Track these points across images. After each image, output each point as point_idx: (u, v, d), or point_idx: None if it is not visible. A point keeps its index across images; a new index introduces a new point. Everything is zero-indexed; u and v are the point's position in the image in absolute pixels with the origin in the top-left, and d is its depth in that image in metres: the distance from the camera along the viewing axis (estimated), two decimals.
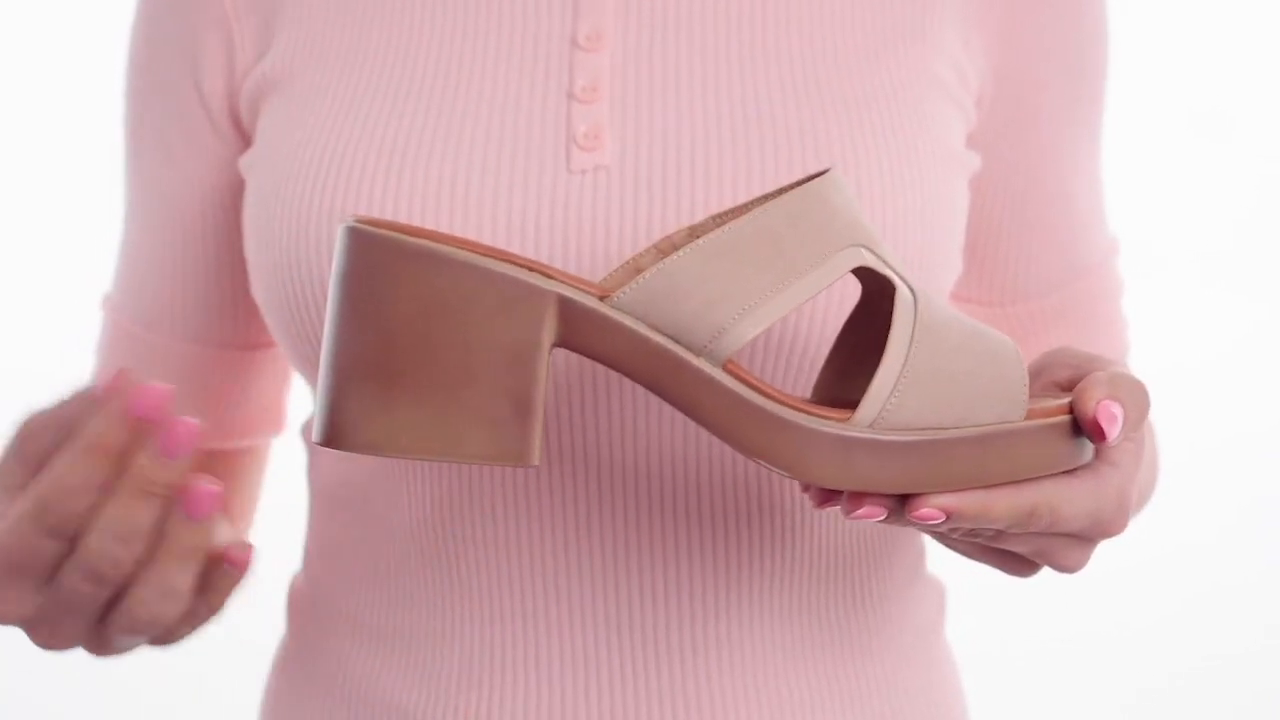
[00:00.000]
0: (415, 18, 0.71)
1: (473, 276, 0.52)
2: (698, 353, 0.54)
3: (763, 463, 0.54)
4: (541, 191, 0.66)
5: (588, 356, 0.55)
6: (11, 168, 4.68)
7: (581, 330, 0.53)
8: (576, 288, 0.54)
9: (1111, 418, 0.56)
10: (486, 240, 0.66)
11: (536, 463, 0.53)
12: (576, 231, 0.66)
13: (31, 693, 2.74)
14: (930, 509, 0.54)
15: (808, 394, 0.67)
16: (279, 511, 1.95)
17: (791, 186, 0.59)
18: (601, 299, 0.53)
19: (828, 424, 0.54)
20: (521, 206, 0.66)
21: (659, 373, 0.54)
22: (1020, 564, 0.60)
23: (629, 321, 0.53)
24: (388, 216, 0.66)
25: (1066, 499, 0.56)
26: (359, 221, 0.54)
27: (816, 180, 0.56)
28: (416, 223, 0.66)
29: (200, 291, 0.80)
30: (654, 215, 0.66)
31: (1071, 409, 0.57)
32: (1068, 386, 0.61)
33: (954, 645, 2.78)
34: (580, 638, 0.69)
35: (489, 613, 0.70)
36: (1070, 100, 0.77)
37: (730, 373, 0.54)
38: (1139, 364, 3.72)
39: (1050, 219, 0.78)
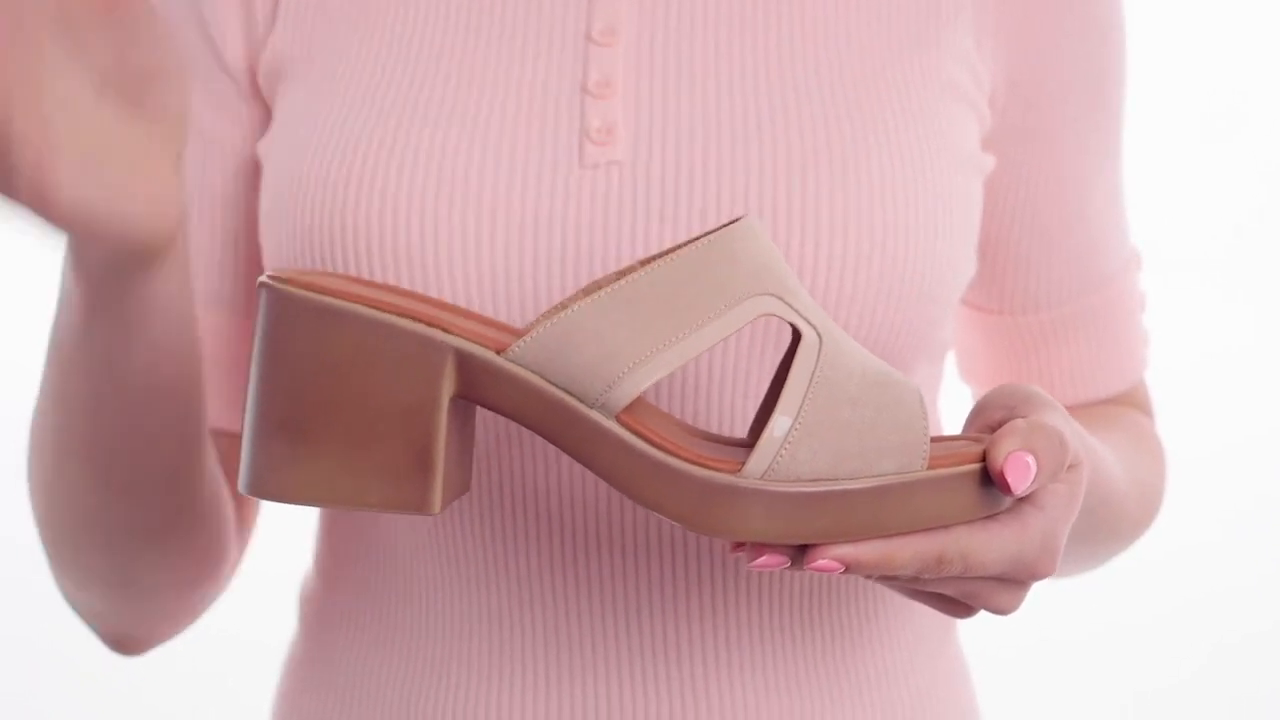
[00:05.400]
0: (426, 11, 0.70)
1: (372, 332, 0.54)
2: (590, 404, 0.54)
3: (658, 514, 0.55)
4: (555, 185, 0.66)
5: (486, 408, 0.56)
6: None
7: (478, 383, 0.55)
8: (474, 341, 0.55)
9: (1022, 470, 0.55)
10: (500, 232, 0.66)
11: (437, 511, 0.55)
12: (589, 226, 0.66)
13: (33, 693, 2.74)
14: (827, 560, 0.54)
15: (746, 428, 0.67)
16: (290, 511, 1.95)
17: (711, 232, 0.59)
18: (499, 352, 0.54)
19: (718, 476, 0.54)
20: (535, 200, 0.66)
21: (554, 424, 0.55)
22: (952, 606, 0.60)
23: (523, 374, 0.54)
24: (400, 212, 0.66)
25: (979, 544, 0.55)
26: (272, 278, 0.55)
27: (724, 230, 0.56)
28: (417, 220, 0.66)
29: (216, 257, 0.76)
30: (666, 211, 0.66)
31: (984, 457, 0.56)
32: (998, 428, 0.59)
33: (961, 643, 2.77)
34: (589, 645, 0.69)
35: (496, 616, 0.70)
36: (1085, 108, 0.76)
37: (623, 424, 0.54)
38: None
39: (1063, 227, 0.78)
